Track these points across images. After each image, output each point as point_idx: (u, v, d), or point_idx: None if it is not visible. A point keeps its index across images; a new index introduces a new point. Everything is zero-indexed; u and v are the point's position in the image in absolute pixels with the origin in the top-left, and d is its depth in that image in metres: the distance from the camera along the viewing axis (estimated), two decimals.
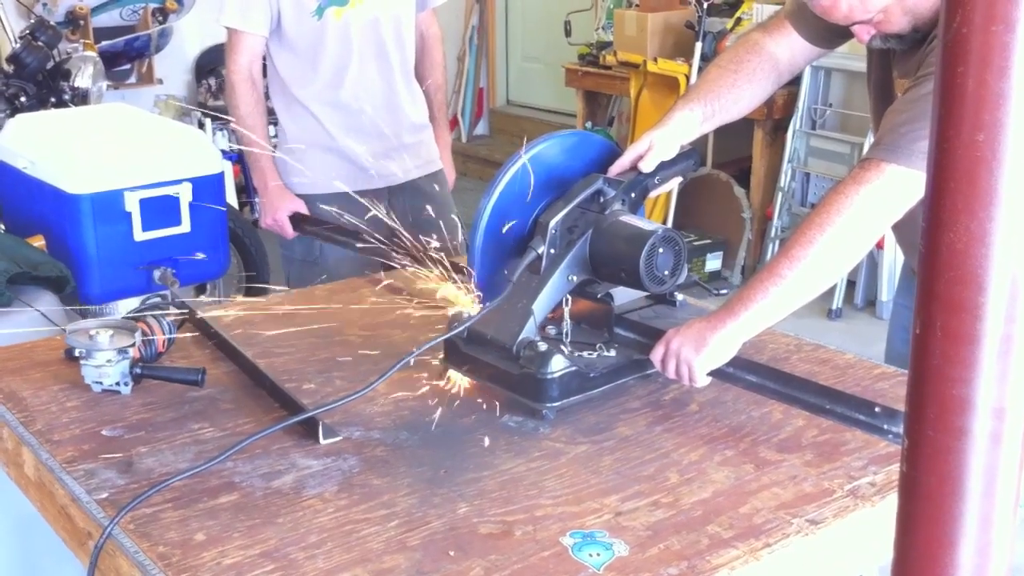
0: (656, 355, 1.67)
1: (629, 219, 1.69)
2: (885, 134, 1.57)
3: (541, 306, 1.66)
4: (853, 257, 1.60)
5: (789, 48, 1.89)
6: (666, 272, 1.66)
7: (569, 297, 1.72)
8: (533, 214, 1.73)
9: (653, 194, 1.81)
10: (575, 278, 1.69)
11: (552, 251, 1.67)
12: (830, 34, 1.84)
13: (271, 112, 2.81)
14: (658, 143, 1.76)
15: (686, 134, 1.81)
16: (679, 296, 1.91)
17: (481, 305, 1.71)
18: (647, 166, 1.75)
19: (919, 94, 1.56)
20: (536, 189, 1.72)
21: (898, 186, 1.53)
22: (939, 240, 0.57)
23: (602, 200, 1.69)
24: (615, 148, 1.83)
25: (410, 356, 1.59)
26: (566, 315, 1.73)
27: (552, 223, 1.66)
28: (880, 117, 1.67)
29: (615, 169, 1.76)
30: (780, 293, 1.57)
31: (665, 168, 1.78)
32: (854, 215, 1.54)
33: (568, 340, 1.73)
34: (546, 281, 1.66)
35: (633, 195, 1.74)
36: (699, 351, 1.61)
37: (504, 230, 1.70)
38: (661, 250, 1.64)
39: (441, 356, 1.76)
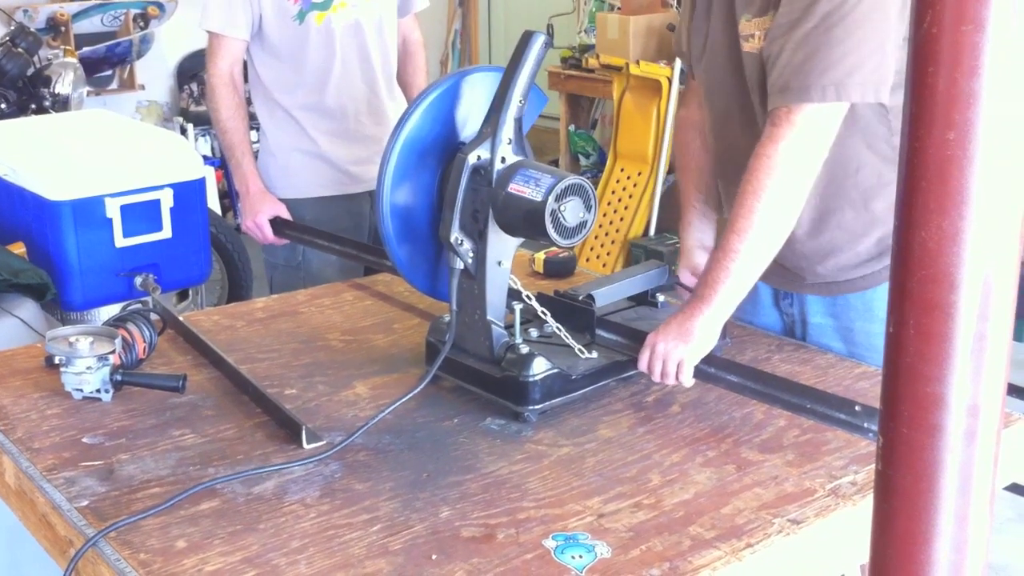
0: (643, 361, 1.66)
1: (519, 188, 1.59)
2: (787, 77, 1.57)
3: (494, 308, 1.65)
4: (795, 209, 1.62)
5: (700, 99, 1.93)
6: (579, 218, 1.60)
7: (530, 295, 1.72)
8: (438, 176, 1.68)
9: (528, 123, 1.69)
10: (504, 263, 1.66)
11: (472, 254, 1.64)
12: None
13: (252, 117, 2.80)
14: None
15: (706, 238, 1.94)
16: (660, 297, 1.92)
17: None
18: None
19: (807, 28, 1.55)
20: (422, 162, 1.66)
21: (813, 127, 1.57)
22: (911, 239, 0.58)
23: (483, 173, 1.62)
24: (471, 74, 1.76)
25: (414, 391, 1.62)
26: (525, 305, 1.72)
27: (453, 238, 1.62)
28: (752, 105, 1.70)
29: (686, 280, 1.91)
30: (739, 267, 1.60)
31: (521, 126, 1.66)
32: (782, 173, 1.57)
33: (550, 335, 1.72)
34: (483, 283, 1.64)
35: (510, 139, 1.63)
36: (688, 342, 1.62)
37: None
38: (563, 208, 1.58)
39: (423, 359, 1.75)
